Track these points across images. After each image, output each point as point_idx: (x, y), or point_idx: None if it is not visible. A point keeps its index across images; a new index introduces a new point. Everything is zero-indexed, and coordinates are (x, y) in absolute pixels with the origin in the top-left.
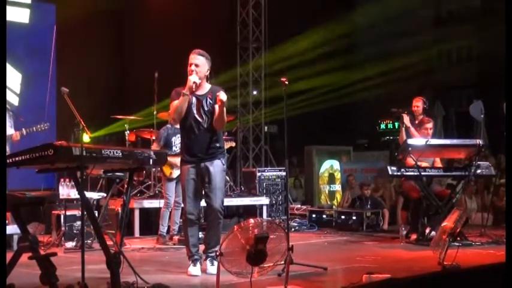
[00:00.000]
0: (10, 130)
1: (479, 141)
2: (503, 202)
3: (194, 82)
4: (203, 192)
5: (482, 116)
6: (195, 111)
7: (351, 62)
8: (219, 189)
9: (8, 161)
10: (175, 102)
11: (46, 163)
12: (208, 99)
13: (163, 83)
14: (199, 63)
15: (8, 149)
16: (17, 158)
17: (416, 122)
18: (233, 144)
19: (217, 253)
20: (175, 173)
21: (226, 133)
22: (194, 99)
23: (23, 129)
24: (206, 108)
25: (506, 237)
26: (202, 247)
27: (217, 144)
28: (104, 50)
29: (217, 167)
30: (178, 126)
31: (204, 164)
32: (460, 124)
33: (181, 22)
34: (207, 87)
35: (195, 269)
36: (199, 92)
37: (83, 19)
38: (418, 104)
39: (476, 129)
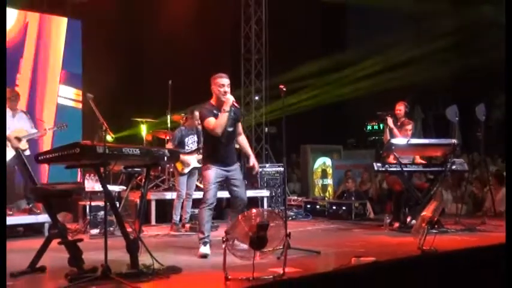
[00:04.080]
0: (32, 130)
1: (454, 141)
2: (481, 192)
3: (233, 100)
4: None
5: (456, 118)
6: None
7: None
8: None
9: (39, 158)
10: (212, 119)
11: (73, 160)
12: (232, 111)
13: (176, 90)
14: (228, 84)
15: (26, 146)
16: (47, 156)
17: (398, 123)
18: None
19: (224, 239)
20: (187, 169)
21: None
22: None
23: (46, 128)
24: (232, 120)
25: (506, 237)
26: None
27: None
28: (125, 61)
29: (238, 167)
30: (191, 128)
31: (231, 167)
32: (437, 126)
33: (192, 38)
34: None
35: (206, 249)
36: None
37: (106, 34)
38: (401, 108)
39: (452, 130)
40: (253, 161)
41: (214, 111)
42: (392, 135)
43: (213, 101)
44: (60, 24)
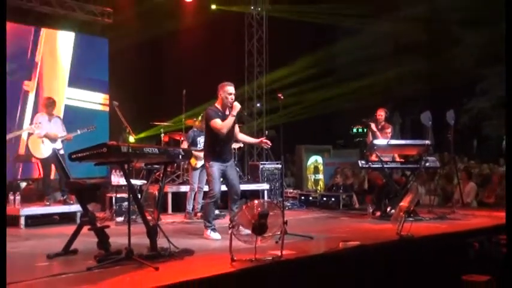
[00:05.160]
0: (63, 133)
1: (427, 142)
2: (450, 186)
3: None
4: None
5: (430, 122)
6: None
7: (330, 82)
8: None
9: (72, 156)
10: (218, 120)
11: (101, 158)
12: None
13: (189, 97)
14: (234, 93)
15: (61, 145)
16: (79, 155)
17: (379, 127)
18: (241, 144)
19: (230, 226)
20: (199, 163)
21: None
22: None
23: (78, 130)
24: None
25: (507, 237)
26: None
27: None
28: (145, 73)
29: (233, 163)
30: (203, 129)
31: (228, 163)
32: (413, 129)
33: (203, 52)
34: None
35: (216, 235)
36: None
37: (129, 49)
38: (382, 113)
39: (425, 133)
40: (259, 139)
41: (219, 113)
42: (374, 137)
43: (218, 105)
44: (66, 38)
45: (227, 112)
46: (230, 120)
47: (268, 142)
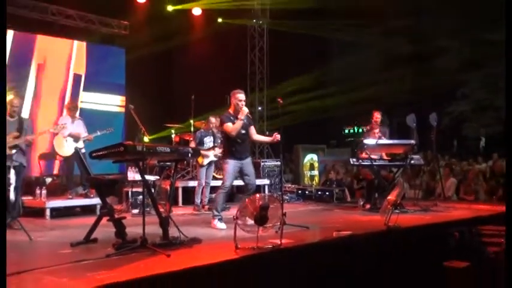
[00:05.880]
0: (84, 133)
1: (412, 142)
2: (432, 181)
3: (247, 112)
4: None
5: (414, 124)
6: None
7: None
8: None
9: (93, 154)
10: (230, 124)
11: (118, 156)
12: (245, 119)
13: (197, 102)
14: (244, 99)
15: (83, 145)
16: (99, 153)
17: (368, 127)
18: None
19: (234, 217)
20: (206, 161)
21: None
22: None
23: (98, 131)
24: (245, 125)
25: (506, 236)
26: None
27: None
28: (158, 79)
29: (250, 160)
30: (208, 130)
31: (244, 160)
32: (400, 130)
33: (210, 61)
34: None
35: (222, 225)
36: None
37: (144, 58)
38: (378, 116)
39: (411, 134)
40: (272, 137)
41: (231, 118)
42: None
43: (231, 110)
44: (68, 45)
45: (239, 116)
46: (238, 123)
47: (278, 137)
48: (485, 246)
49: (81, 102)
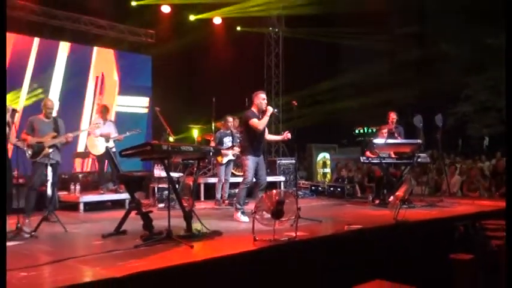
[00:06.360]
0: (115, 134)
1: (419, 141)
2: (439, 178)
3: (272, 110)
4: (257, 171)
5: (421, 124)
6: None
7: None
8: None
9: (122, 153)
10: (256, 120)
11: (146, 155)
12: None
13: (218, 105)
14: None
15: (113, 144)
16: (128, 152)
17: (378, 128)
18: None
19: (253, 211)
20: (225, 159)
21: None
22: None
23: (127, 132)
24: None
25: (507, 231)
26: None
27: None
28: (182, 84)
29: (263, 157)
30: (227, 131)
31: (259, 157)
32: (407, 130)
33: (229, 67)
34: None
35: (245, 218)
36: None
37: (169, 64)
38: (394, 116)
39: (417, 133)
40: (283, 135)
41: (257, 115)
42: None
43: (254, 109)
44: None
45: (260, 116)
46: (265, 119)
47: (289, 135)
48: (488, 239)
49: (117, 105)
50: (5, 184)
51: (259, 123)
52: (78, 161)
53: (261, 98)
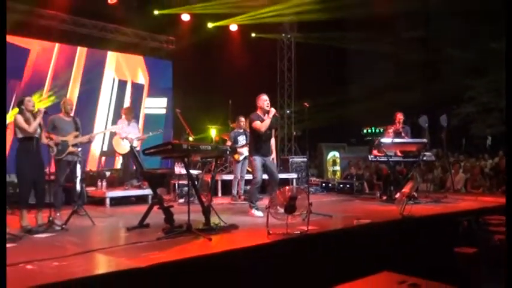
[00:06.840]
0: (138, 134)
1: (424, 140)
2: (443, 175)
3: (275, 111)
4: (267, 171)
5: (426, 124)
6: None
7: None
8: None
9: (145, 152)
10: (258, 122)
11: (167, 153)
12: (273, 119)
13: (234, 107)
14: (268, 100)
15: (137, 144)
16: (151, 150)
17: (384, 127)
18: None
19: (267, 207)
20: (241, 157)
21: None
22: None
23: (150, 132)
24: (271, 125)
25: (507, 236)
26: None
27: None
28: (199, 88)
29: (271, 157)
30: (241, 130)
31: (267, 158)
32: (413, 130)
33: (245, 70)
34: None
35: (259, 213)
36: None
37: (188, 69)
38: (401, 116)
39: (423, 133)
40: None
41: (260, 117)
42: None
43: (259, 112)
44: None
45: (265, 117)
46: (267, 121)
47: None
48: (491, 234)
49: (145, 108)
50: (5, 184)
51: (262, 125)
52: (104, 159)
53: (263, 99)
